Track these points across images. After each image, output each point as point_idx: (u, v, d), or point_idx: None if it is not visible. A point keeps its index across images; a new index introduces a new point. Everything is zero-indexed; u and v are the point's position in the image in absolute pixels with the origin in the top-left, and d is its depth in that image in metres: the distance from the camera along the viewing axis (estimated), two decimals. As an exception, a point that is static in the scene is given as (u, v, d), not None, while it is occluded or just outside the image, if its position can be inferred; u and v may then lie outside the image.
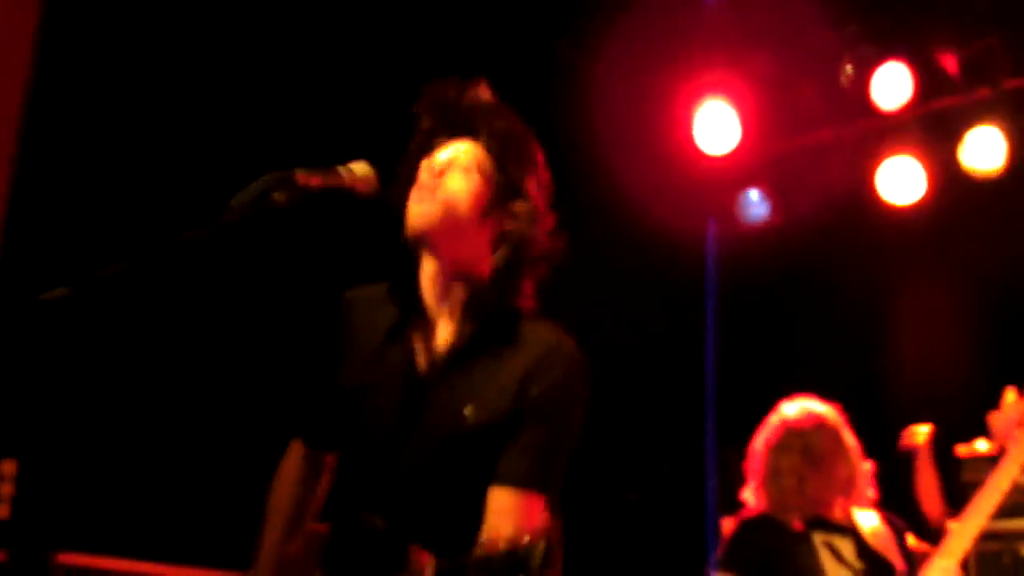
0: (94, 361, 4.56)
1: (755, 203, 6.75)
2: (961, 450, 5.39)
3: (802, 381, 6.69)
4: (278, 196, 2.50)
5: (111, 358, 4.67)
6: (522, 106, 2.82)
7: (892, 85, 6.27)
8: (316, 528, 2.80)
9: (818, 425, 4.37)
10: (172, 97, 4.97)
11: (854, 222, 6.71)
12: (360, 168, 2.67)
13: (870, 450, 5.97)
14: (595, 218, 6.41)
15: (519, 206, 2.69)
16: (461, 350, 2.64)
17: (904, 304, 6.54)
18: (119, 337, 4.65)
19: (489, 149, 2.71)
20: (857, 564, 4.18)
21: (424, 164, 2.72)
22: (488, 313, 2.66)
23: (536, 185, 2.75)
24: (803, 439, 4.33)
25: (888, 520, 4.31)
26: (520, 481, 2.54)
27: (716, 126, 6.78)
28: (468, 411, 2.58)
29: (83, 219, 4.66)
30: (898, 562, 4.18)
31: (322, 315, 2.93)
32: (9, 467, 2.74)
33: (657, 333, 6.66)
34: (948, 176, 6.40)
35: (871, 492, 4.40)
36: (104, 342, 4.56)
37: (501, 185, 2.69)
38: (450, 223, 2.65)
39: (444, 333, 2.69)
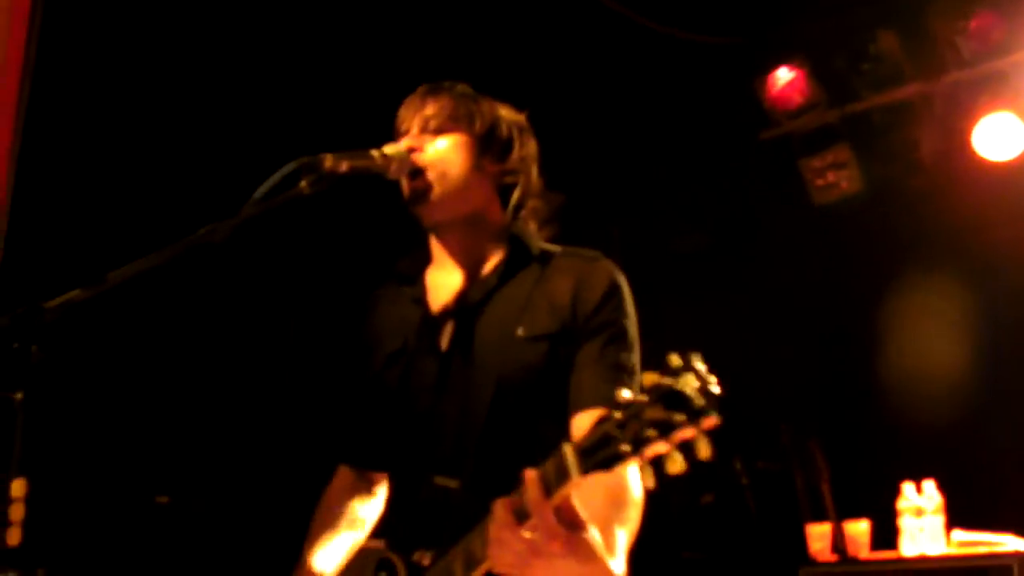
0: (107, 369, 4.43)
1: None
2: None
3: (886, 356, 6.51)
4: (304, 184, 2.52)
5: (126, 365, 4.53)
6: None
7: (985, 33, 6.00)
8: (373, 544, 2.75)
9: None
10: (187, 83, 4.82)
11: (943, 183, 6.42)
12: (393, 149, 2.72)
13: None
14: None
15: (510, 149, 2.85)
16: (492, 287, 2.72)
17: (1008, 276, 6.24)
18: (133, 343, 4.51)
19: (459, 101, 2.82)
20: None
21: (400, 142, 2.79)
22: (514, 248, 2.77)
23: (518, 131, 2.89)
24: None
25: None
26: (607, 400, 2.35)
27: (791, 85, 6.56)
28: (520, 330, 2.61)
29: (92, 217, 4.53)
30: None
31: (350, 315, 2.97)
32: (19, 487, 2.61)
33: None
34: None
35: None
36: (117, 348, 4.48)
37: (483, 131, 2.81)
38: (447, 187, 2.73)
39: (469, 282, 2.77)
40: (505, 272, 2.76)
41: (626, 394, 1.92)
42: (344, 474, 2.97)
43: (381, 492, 2.91)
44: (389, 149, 2.71)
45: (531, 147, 2.92)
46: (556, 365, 2.61)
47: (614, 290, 2.69)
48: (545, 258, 2.78)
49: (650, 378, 1.89)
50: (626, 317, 2.67)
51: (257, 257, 4.59)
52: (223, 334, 4.84)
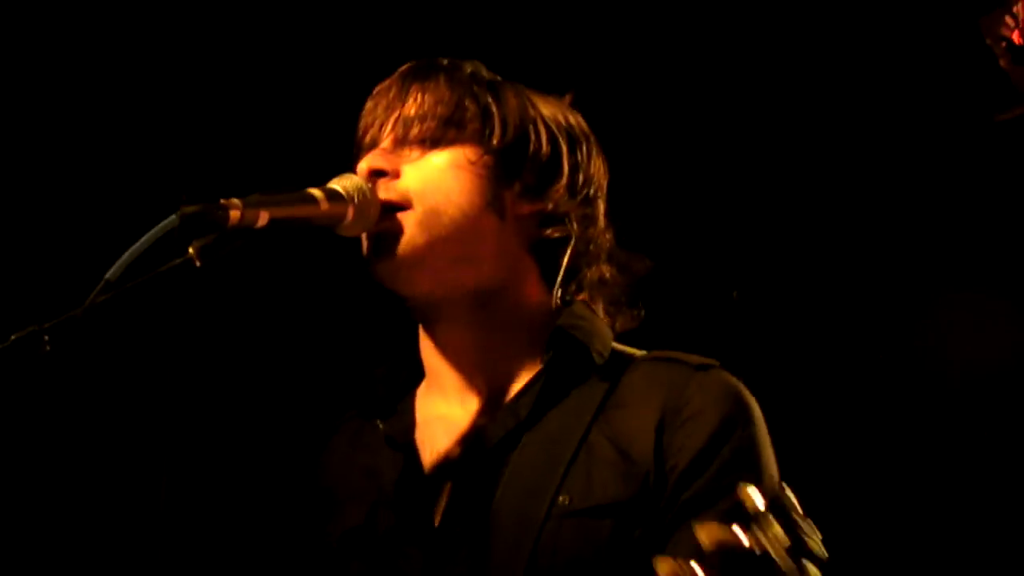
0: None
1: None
2: None
3: None
4: (193, 249, 1.68)
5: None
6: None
7: None
8: None
9: None
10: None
11: None
12: (348, 183, 1.81)
13: None
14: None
15: (555, 175, 1.90)
16: (520, 422, 1.83)
17: None
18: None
19: (463, 92, 1.88)
20: None
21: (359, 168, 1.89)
22: (559, 353, 1.85)
23: (568, 144, 1.93)
24: None
25: None
26: None
27: None
28: (565, 497, 1.76)
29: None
30: None
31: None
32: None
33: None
34: None
35: None
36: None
37: (505, 144, 1.87)
38: (438, 236, 1.82)
39: (486, 414, 1.88)
40: (543, 395, 1.83)
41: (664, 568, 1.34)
42: None
43: None
44: (341, 183, 1.80)
45: (596, 171, 1.95)
46: (628, 556, 1.70)
47: (733, 426, 1.76)
48: (616, 368, 1.85)
49: (709, 533, 1.33)
50: (757, 473, 1.75)
51: (114, 375, 3.46)
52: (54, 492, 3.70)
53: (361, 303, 2.36)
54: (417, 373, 1.96)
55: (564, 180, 1.90)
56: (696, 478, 1.72)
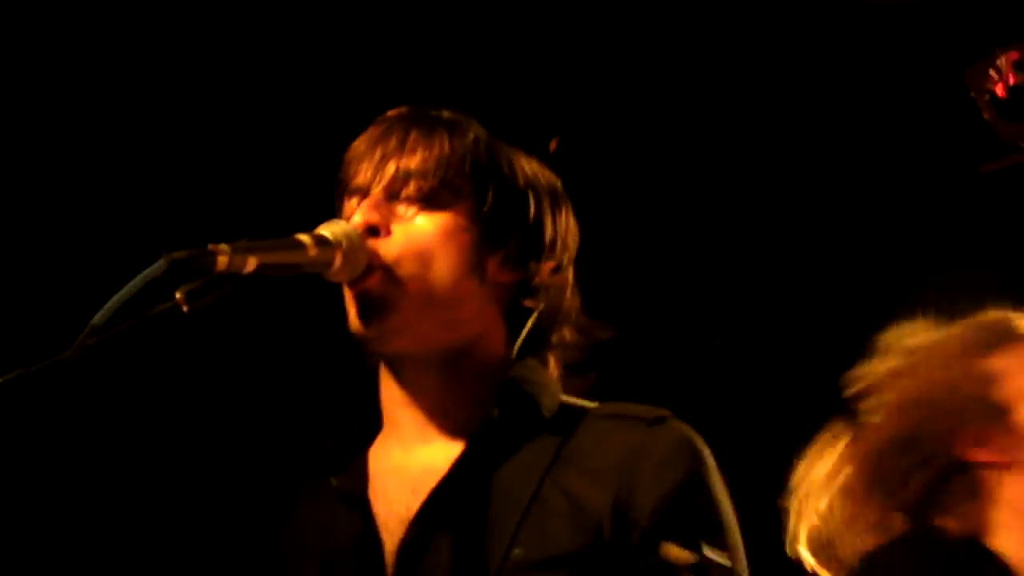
0: None
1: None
2: None
3: None
4: (181, 295, 1.65)
5: None
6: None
7: None
8: None
9: None
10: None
11: None
12: (338, 229, 1.79)
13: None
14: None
15: (534, 253, 1.91)
16: (473, 473, 1.81)
17: None
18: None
19: (464, 151, 1.86)
20: None
21: (346, 208, 1.89)
22: (509, 404, 1.84)
23: (552, 213, 1.94)
24: None
25: None
26: None
27: None
28: (519, 549, 1.75)
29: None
30: None
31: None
32: None
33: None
34: None
35: None
36: None
37: (496, 211, 1.87)
38: (422, 299, 1.82)
39: (440, 457, 1.84)
40: (493, 446, 1.83)
41: None
42: None
43: None
44: (330, 229, 1.79)
45: (571, 239, 1.97)
46: None
47: (693, 481, 1.77)
48: (567, 421, 1.85)
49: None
50: (719, 533, 1.76)
51: (96, 418, 3.43)
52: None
53: (317, 353, 2.34)
54: (371, 427, 1.94)
55: (544, 253, 1.91)
56: (660, 537, 1.71)
